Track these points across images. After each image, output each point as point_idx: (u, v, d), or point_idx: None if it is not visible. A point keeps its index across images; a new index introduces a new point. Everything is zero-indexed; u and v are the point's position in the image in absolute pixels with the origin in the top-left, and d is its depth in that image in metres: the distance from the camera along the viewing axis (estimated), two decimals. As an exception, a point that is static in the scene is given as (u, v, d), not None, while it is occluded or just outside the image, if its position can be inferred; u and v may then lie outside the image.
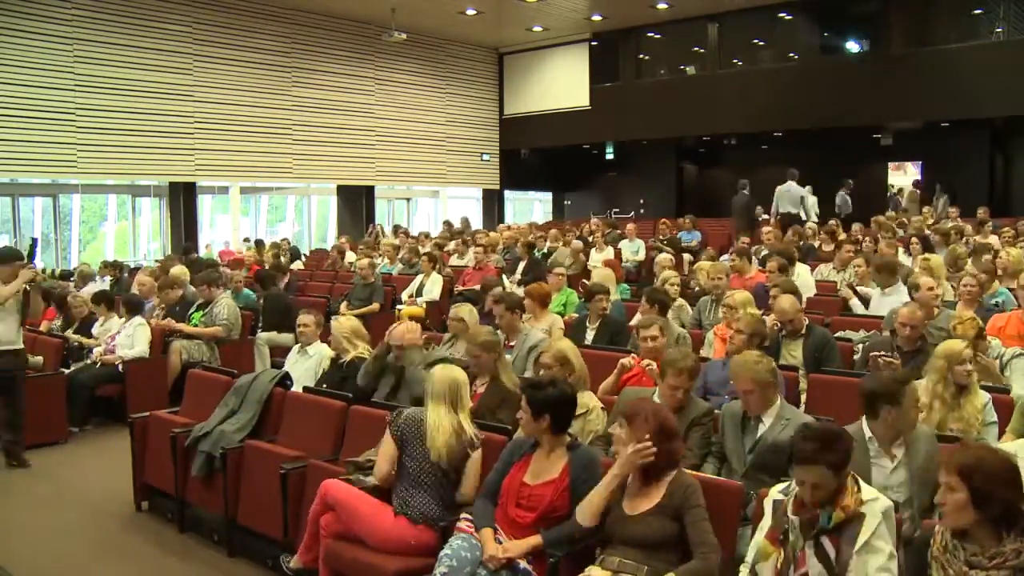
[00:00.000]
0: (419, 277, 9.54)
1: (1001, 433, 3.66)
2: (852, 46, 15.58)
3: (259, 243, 13.86)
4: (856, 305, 6.65)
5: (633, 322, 5.67)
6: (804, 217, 12.51)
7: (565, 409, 3.24)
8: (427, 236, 13.70)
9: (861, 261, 7.51)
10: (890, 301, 5.94)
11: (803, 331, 5.08)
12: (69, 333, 7.37)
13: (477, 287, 8.36)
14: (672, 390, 3.77)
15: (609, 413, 4.06)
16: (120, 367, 6.73)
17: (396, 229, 15.44)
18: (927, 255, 7.29)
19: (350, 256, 12.07)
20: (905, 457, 3.15)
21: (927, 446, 3.15)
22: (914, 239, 9.10)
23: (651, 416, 2.93)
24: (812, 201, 13.17)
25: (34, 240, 6.23)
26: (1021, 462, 2.75)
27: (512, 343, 5.41)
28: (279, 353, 7.26)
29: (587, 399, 4.07)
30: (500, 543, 3.08)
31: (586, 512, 2.95)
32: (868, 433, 3.20)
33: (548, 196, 22.51)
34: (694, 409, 3.80)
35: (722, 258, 8.82)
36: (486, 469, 3.44)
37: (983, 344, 4.47)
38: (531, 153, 20.20)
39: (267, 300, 8.19)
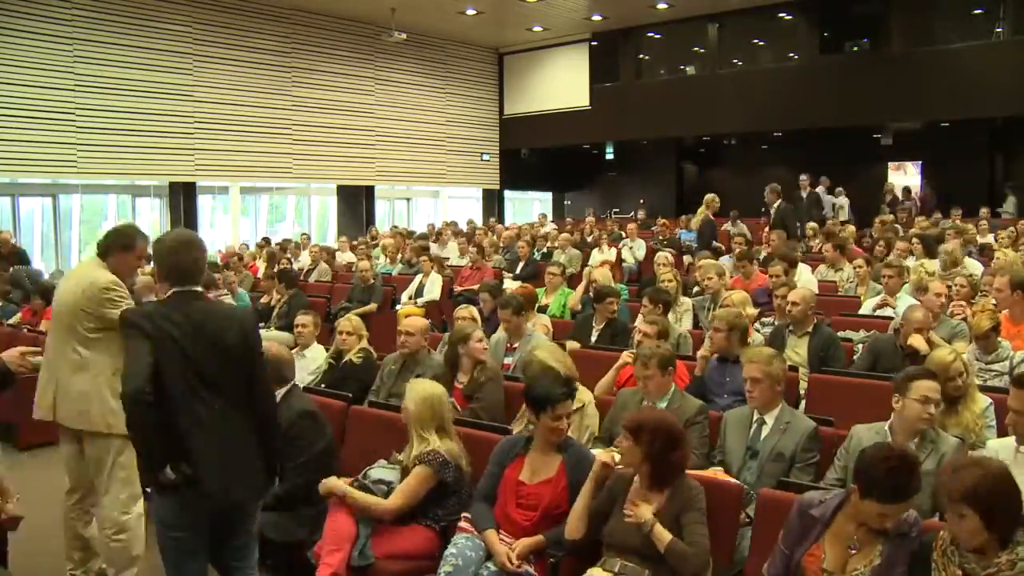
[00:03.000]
0: (418, 277, 9.53)
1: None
2: (852, 46, 15.58)
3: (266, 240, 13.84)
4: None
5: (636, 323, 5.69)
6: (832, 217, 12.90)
7: (546, 402, 3.21)
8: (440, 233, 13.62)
9: (861, 261, 7.49)
10: (897, 307, 5.93)
11: (810, 329, 5.08)
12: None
13: (476, 287, 8.34)
14: (644, 381, 3.87)
15: (605, 412, 4.08)
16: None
17: (393, 230, 15.41)
18: (923, 260, 7.29)
19: (349, 256, 12.07)
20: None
21: (942, 455, 3.11)
22: (915, 240, 9.08)
23: (656, 427, 2.91)
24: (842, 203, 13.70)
25: None
26: (1006, 463, 2.78)
27: (515, 345, 5.42)
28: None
29: (581, 394, 4.10)
30: (505, 543, 3.08)
31: (571, 526, 2.97)
32: (887, 427, 3.23)
33: (548, 196, 22.51)
34: (688, 408, 3.81)
35: (722, 259, 8.81)
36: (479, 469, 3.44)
37: (994, 340, 4.45)
38: (531, 153, 20.20)
39: (294, 298, 8.09)
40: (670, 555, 2.73)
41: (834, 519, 2.56)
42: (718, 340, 4.55)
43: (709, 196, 11.01)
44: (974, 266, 7.49)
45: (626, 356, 4.58)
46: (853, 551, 2.48)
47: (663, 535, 2.75)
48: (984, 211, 12.65)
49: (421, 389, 3.56)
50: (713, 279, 6.47)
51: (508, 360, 5.37)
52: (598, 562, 2.90)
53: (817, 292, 7.21)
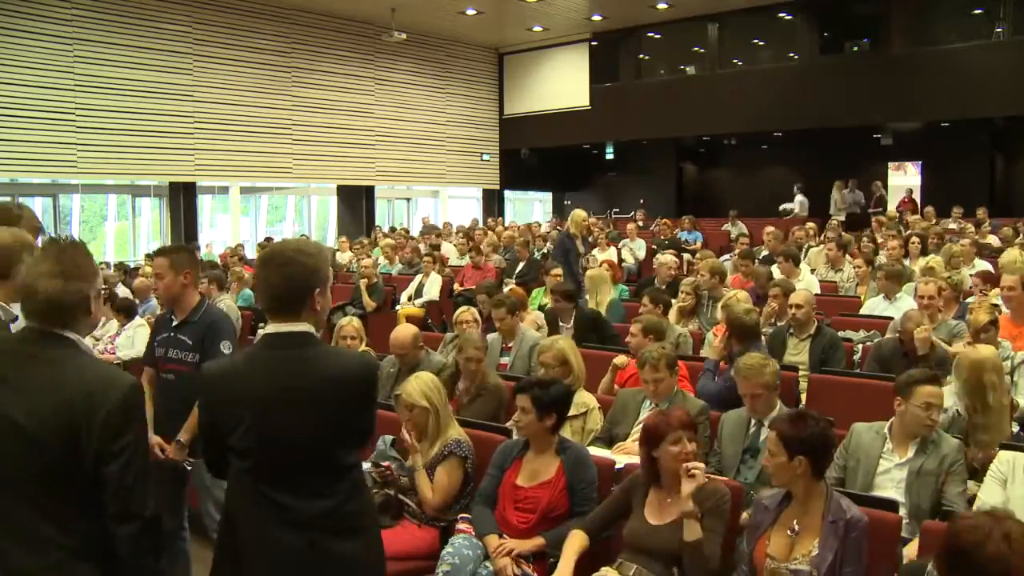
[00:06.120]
0: (418, 277, 9.52)
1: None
2: (852, 46, 15.58)
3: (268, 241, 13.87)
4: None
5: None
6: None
7: (566, 408, 3.36)
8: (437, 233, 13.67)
9: (860, 262, 7.49)
10: (896, 308, 5.92)
11: (812, 331, 5.07)
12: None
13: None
14: (654, 383, 3.85)
15: (606, 413, 4.07)
16: (119, 367, 6.72)
17: (392, 231, 15.41)
18: (925, 258, 7.29)
19: (348, 256, 12.07)
20: (914, 458, 3.13)
21: (943, 456, 3.09)
22: (914, 239, 9.06)
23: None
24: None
25: None
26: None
27: (510, 344, 5.42)
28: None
29: (586, 398, 4.09)
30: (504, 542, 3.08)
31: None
32: (887, 428, 3.23)
33: (548, 196, 22.50)
34: (689, 408, 3.79)
35: (721, 258, 8.80)
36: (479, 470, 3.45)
37: (994, 336, 4.44)
38: (531, 153, 20.18)
39: None
40: (689, 551, 2.69)
41: (782, 510, 2.65)
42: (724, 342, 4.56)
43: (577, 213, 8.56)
44: (982, 266, 7.51)
45: (618, 361, 4.57)
46: (791, 534, 2.58)
47: (695, 529, 2.71)
48: (981, 212, 12.64)
49: (427, 380, 3.55)
50: (713, 280, 6.45)
51: (504, 360, 5.37)
52: (614, 563, 2.88)
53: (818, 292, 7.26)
